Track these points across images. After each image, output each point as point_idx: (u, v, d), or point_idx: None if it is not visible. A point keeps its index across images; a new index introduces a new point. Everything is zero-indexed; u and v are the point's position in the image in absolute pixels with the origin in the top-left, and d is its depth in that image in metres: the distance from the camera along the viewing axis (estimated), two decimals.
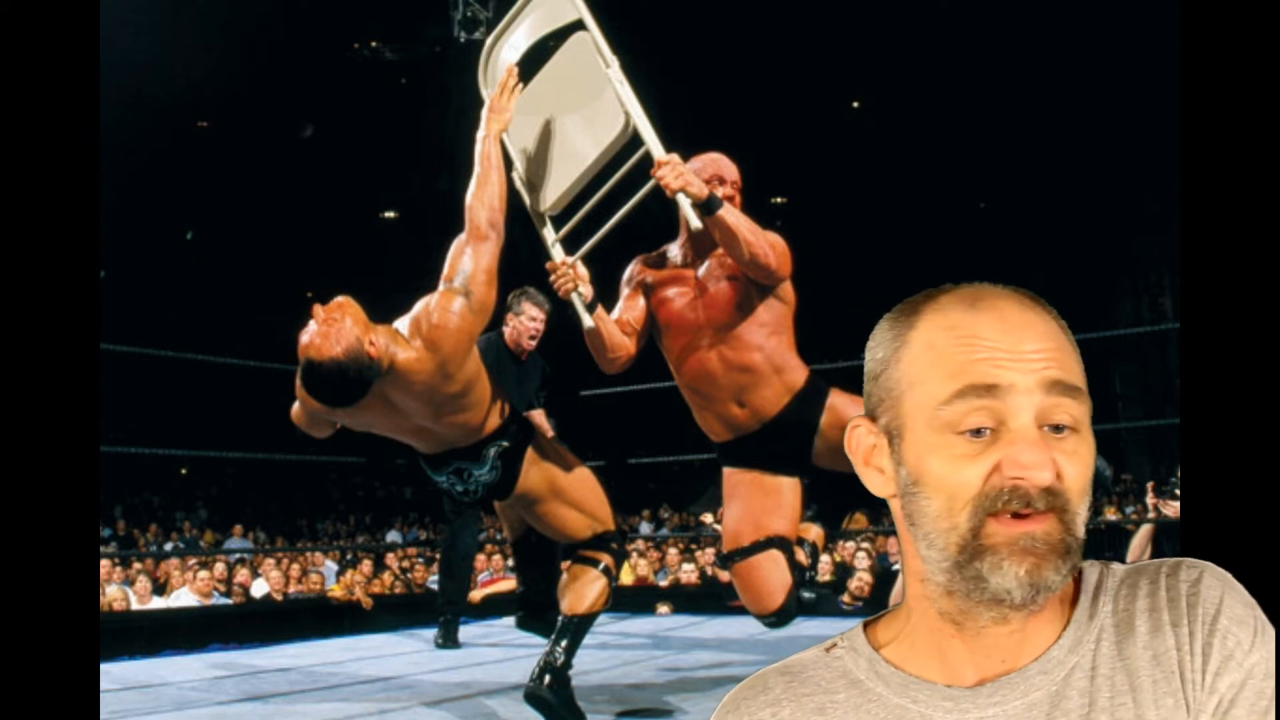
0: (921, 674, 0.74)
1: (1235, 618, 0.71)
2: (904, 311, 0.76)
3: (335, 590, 6.72)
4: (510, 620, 3.88)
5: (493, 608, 5.43)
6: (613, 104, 2.71)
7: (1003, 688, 0.72)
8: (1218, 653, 0.70)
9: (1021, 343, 0.71)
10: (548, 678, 2.76)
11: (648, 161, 2.65)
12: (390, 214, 16.78)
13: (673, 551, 8.94)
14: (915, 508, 0.72)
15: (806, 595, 2.96)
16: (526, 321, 4.19)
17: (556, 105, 2.86)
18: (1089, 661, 0.72)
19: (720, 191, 2.72)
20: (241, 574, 7.08)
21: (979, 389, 0.70)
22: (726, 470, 2.97)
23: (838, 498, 3.26)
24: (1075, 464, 0.70)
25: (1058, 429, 0.70)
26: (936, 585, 0.72)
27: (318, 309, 2.47)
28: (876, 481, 0.76)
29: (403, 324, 2.64)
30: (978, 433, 0.70)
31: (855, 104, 14.14)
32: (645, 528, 12.91)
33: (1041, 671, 0.72)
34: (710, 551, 8.05)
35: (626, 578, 7.08)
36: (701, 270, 2.86)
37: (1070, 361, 0.72)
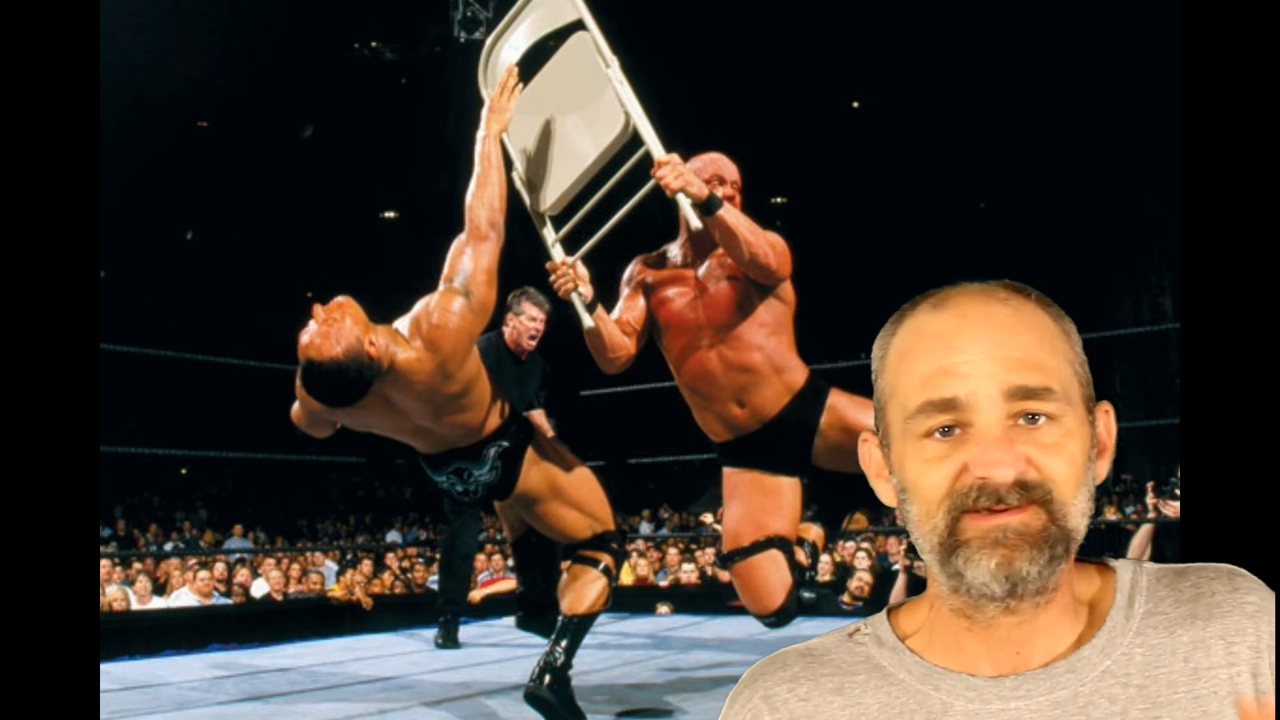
0: (944, 664, 0.74)
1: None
2: (894, 318, 0.76)
3: (335, 590, 6.71)
4: (510, 620, 3.88)
5: (493, 608, 5.43)
6: (613, 104, 2.71)
7: (1027, 682, 0.71)
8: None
9: (978, 342, 0.70)
10: (548, 678, 2.76)
11: (648, 161, 2.65)
12: (390, 214, 16.79)
13: (673, 551, 8.93)
14: (906, 514, 0.73)
15: (806, 595, 2.97)
16: (526, 321, 4.19)
17: (556, 105, 2.86)
18: (1122, 667, 0.70)
19: (720, 191, 2.72)
20: (241, 574, 7.08)
21: (938, 404, 0.70)
22: (726, 470, 2.97)
23: (838, 498, 3.26)
24: (1054, 454, 0.69)
25: (1033, 418, 0.69)
26: (939, 584, 0.73)
27: (318, 309, 2.47)
28: (886, 492, 0.76)
29: (403, 324, 2.64)
30: (947, 431, 0.70)
31: (855, 104, 14.15)
32: (645, 528, 12.90)
33: (1070, 670, 0.71)
34: (710, 551, 8.04)
35: (626, 578, 7.08)
36: (701, 270, 2.86)
37: (1040, 354, 0.71)
